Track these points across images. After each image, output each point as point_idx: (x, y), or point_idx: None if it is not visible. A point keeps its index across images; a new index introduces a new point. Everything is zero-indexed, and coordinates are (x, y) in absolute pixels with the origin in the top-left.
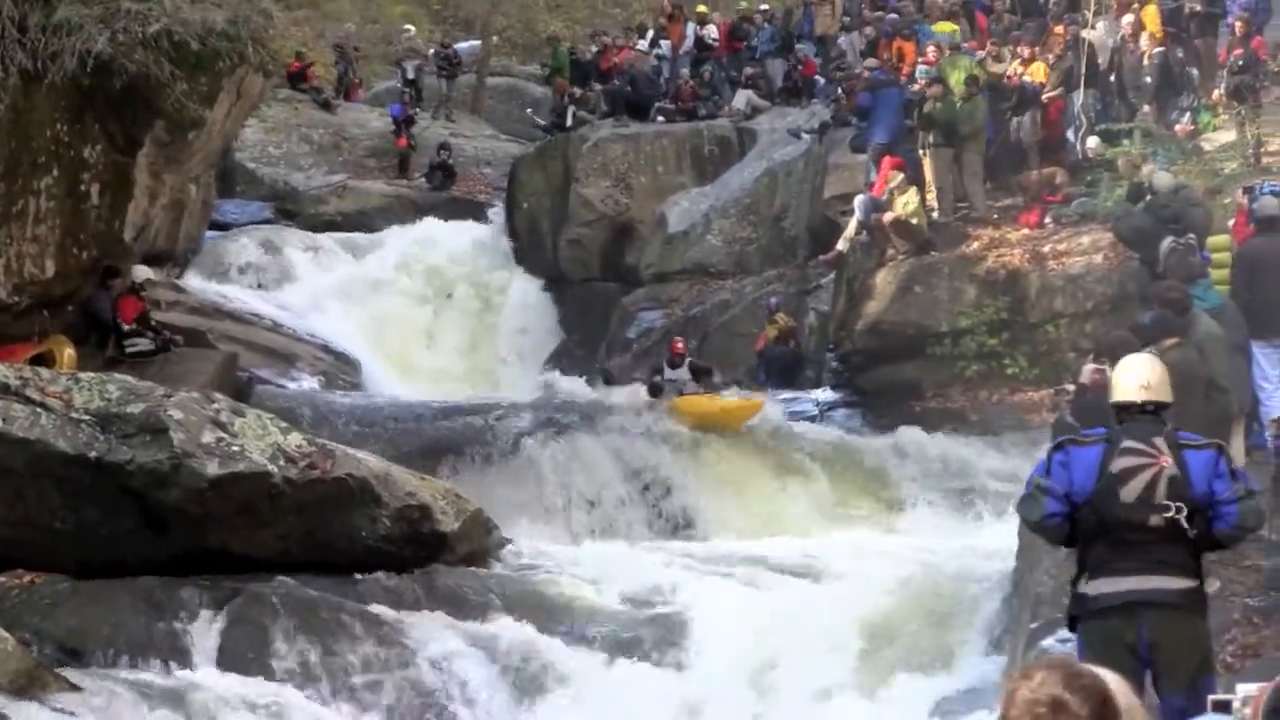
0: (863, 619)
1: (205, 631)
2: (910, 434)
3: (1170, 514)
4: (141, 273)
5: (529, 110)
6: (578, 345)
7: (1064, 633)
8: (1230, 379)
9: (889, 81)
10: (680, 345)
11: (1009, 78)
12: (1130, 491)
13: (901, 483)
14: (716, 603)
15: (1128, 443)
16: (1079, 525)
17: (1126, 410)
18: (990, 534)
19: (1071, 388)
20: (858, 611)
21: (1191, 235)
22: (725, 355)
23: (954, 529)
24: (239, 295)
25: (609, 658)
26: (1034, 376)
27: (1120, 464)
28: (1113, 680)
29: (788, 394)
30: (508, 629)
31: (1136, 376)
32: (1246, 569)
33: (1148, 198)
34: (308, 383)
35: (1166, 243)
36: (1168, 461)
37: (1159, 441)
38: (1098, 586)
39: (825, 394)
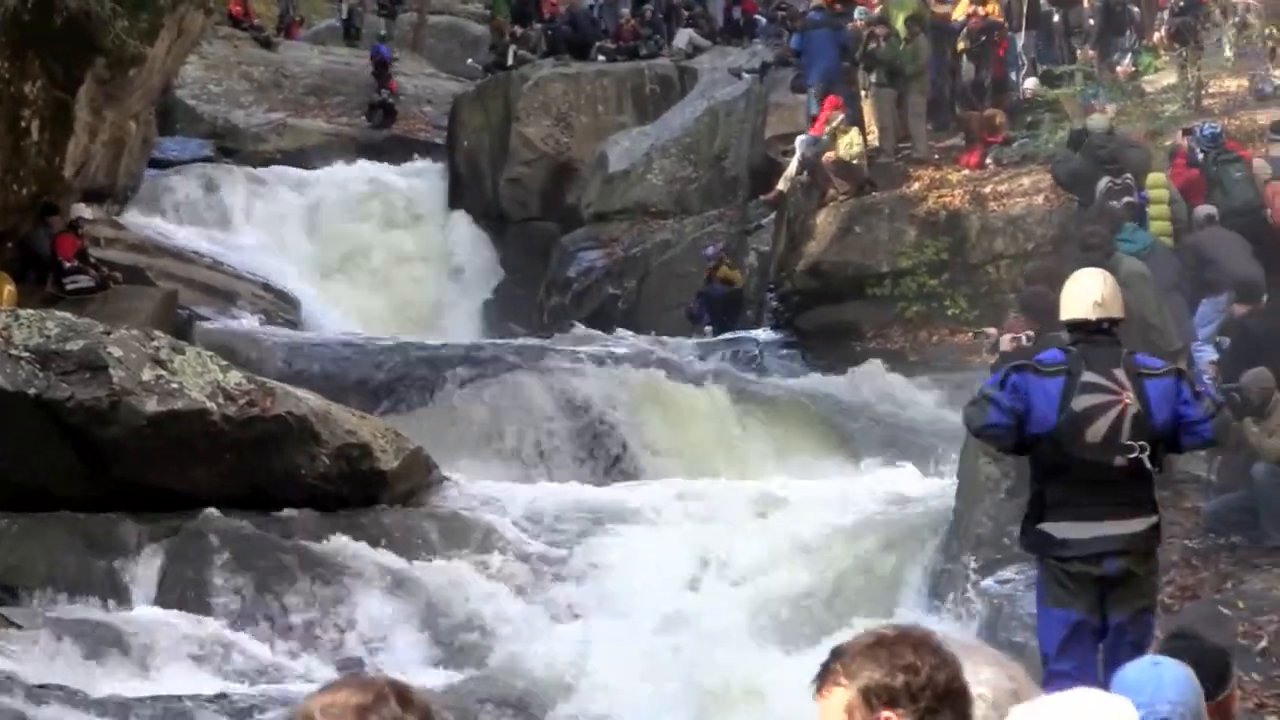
0: (803, 562)
1: (144, 569)
2: (857, 374)
3: (1134, 454)
4: (80, 210)
5: (470, 61)
6: (517, 285)
7: (1004, 573)
8: (1164, 316)
9: (822, 23)
10: None
11: (972, 17)
12: (1095, 432)
13: (846, 425)
14: (655, 547)
15: (1088, 376)
16: (1038, 460)
17: (1080, 329)
18: (933, 475)
19: (992, 332)
20: (799, 555)
21: (1128, 175)
22: (664, 295)
23: (898, 470)
24: (178, 232)
25: (545, 603)
26: (974, 317)
27: (1083, 402)
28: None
29: (728, 335)
30: (446, 570)
31: (1090, 292)
32: (1186, 510)
33: (1085, 140)
34: (248, 320)
35: (1103, 183)
36: (1130, 398)
37: (1119, 374)
38: (1063, 530)
39: (765, 334)
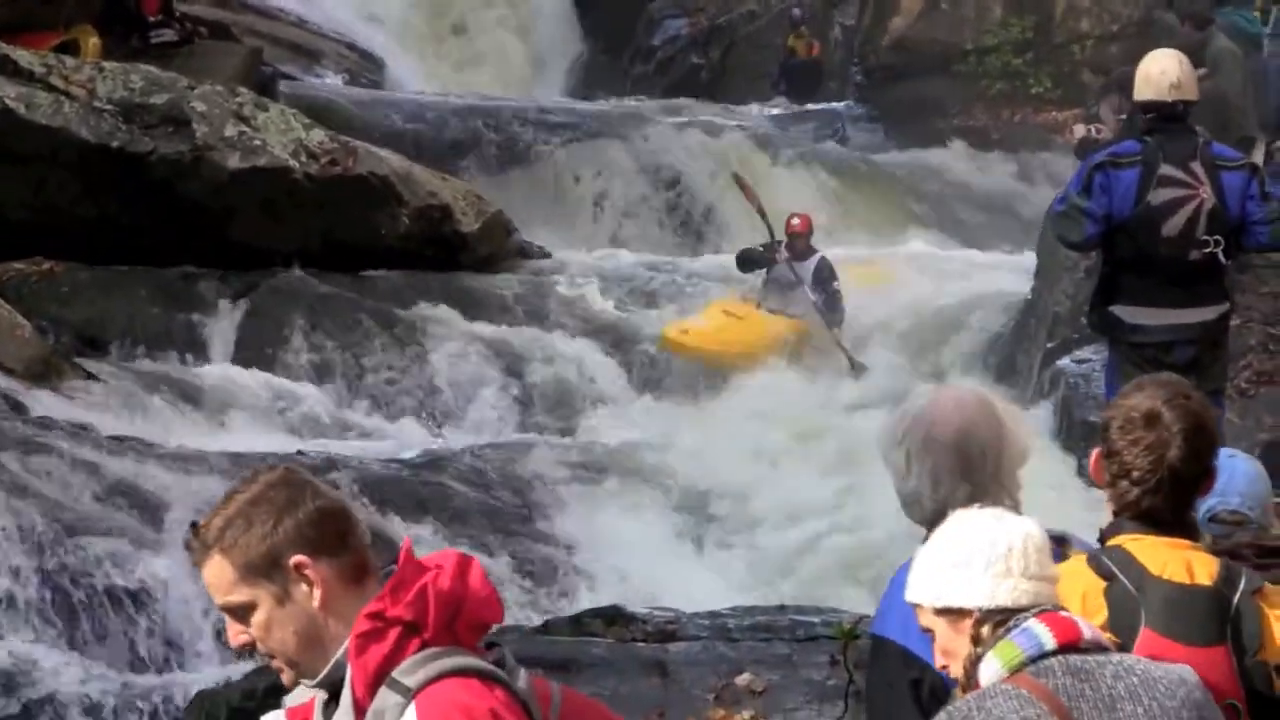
0: (878, 333)
1: (222, 324)
2: (935, 154)
3: (1210, 248)
4: None
5: None
6: (602, 51)
7: (1080, 353)
8: (1248, 102)
9: None
10: (800, 223)
11: None
12: (1172, 227)
13: (921, 202)
14: None
15: (1165, 169)
16: (1112, 247)
17: (1154, 109)
18: (1012, 252)
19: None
20: (875, 326)
21: None
22: (748, 66)
23: (967, 249)
24: None
25: (627, 373)
26: (1058, 96)
27: (1160, 196)
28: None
29: (811, 107)
30: (525, 335)
31: (1166, 74)
32: (1265, 295)
33: None
34: (332, 79)
35: None
36: (1207, 192)
37: (1196, 166)
38: (1135, 315)
39: (848, 107)
